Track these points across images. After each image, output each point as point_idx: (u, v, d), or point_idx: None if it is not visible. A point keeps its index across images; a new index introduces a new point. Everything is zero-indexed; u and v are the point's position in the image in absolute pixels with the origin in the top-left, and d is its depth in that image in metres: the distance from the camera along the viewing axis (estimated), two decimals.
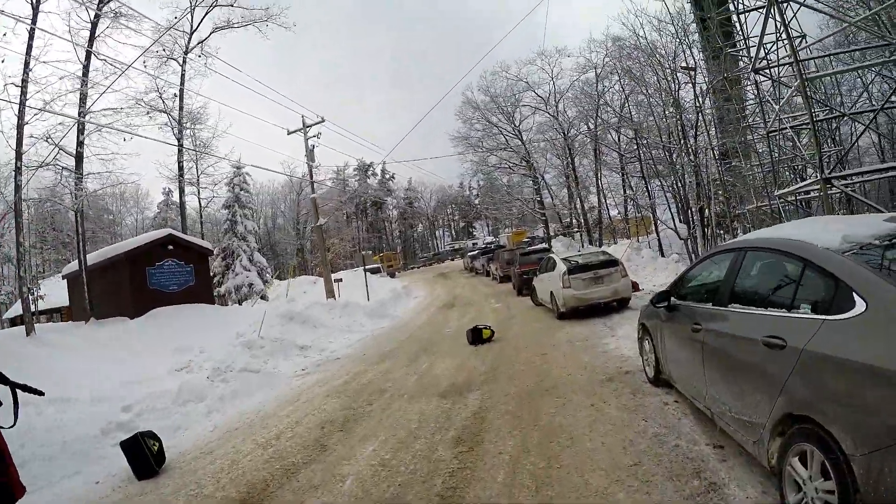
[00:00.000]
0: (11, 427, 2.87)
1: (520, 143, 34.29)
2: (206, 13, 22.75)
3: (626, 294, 11.30)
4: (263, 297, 25.08)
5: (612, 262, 11.52)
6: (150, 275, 18.01)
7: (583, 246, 29.50)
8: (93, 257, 18.70)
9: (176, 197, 28.48)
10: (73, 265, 19.52)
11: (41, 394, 3.12)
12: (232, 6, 22.77)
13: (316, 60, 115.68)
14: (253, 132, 33.91)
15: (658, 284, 14.72)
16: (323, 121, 20.53)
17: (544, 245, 26.31)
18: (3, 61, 14.84)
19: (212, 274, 28.56)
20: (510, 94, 33.69)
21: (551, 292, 12.07)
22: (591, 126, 29.86)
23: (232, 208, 28.25)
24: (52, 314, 28.90)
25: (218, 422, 7.10)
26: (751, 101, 18.81)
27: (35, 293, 26.61)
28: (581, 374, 6.46)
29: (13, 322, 28.29)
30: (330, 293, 19.80)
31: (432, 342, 11.17)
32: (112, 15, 18.27)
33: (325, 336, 13.96)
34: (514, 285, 19.21)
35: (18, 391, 2.92)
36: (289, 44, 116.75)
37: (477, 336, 10.01)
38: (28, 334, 13.29)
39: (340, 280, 22.54)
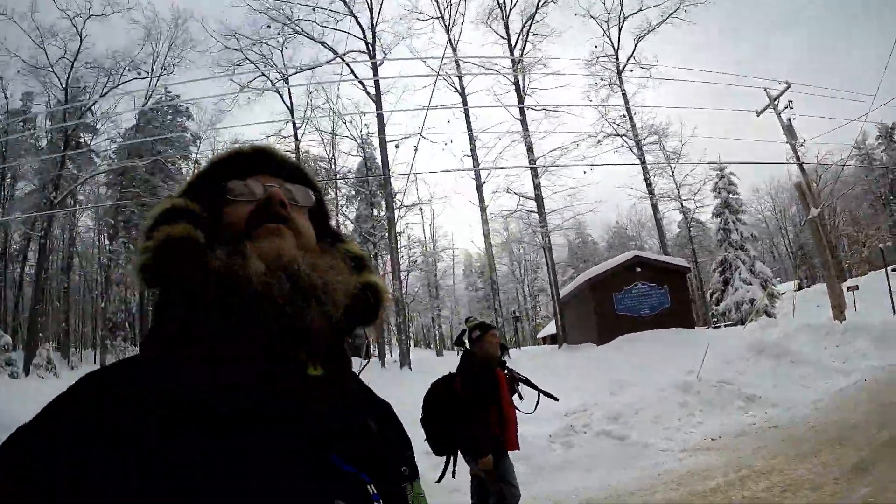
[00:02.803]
0: (530, 413, 3.97)
1: None
2: (620, 27, 21.87)
3: None
4: (768, 314, 20.32)
5: None
6: (618, 300, 17.43)
7: None
8: (570, 286, 19.89)
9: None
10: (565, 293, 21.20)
11: (556, 399, 4.19)
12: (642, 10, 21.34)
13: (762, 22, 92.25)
14: (721, 127, 29.34)
15: None
16: (789, 86, 15.36)
17: None
18: (450, 142, 19.10)
19: (710, 291, 25.61)
20: None
21: None
22: None
23: (722, 216, 24.56)
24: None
25: None
26: None
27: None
28: None
29: (544, 340, 33.15)
30: (837, 308, 13.90)
31: None
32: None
33: (796, 380, 9.50)
34: None
35: (541, 394, 4.10)
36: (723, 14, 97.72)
37: None
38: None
39: (856, 288, 15.64)
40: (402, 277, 27.16)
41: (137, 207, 23.73)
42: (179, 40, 23.99)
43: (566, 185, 21.33)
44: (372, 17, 22.25)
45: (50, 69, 22.42)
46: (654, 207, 22.63)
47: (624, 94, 22.38)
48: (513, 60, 22.35)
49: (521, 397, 4.00)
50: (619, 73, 22.07)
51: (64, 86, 22.51)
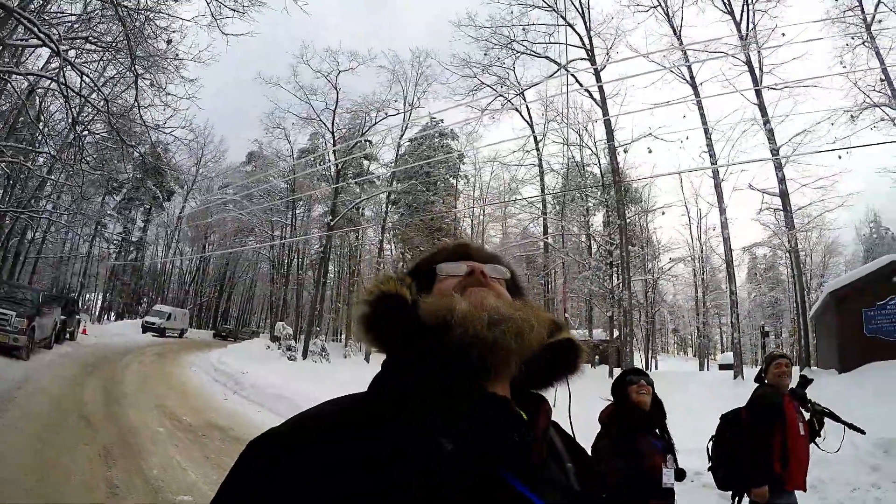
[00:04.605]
0: (834, 452, 3.97)
1: None
2: None
3: None
4: None
5: None
6: (868, 318, 14.07)
7: None
8: (819, 300, 17.56)
9: None
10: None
11: (863, 432, 3.82)
12: None
13: None
14: None
15: None
16: None
17: None
18: (685, 139, 19.84)
19: None
20: None
21: None
22: None
23: None
24: None
25: None
26: None
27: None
28: None
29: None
30: None
31: None
32: None
33: None
34: None
35: (846, 428, 3.77)
36: None
37: None
38: None
39: None
40: (649, 283, 27.90)
41: (405, 225, 29.59)
42: (422, 77, 27.66)
43: (815, 174, 19.10)
44: (586, 23, 22.48)
45: (318, 118, 28.52)
46: None
47: (878, 53, 17.48)
48: (740, 36, 20.24)
49: (819, 434, 3.74)
50: (868, 27, 17.47)
51: (332, 130, 28.33)
